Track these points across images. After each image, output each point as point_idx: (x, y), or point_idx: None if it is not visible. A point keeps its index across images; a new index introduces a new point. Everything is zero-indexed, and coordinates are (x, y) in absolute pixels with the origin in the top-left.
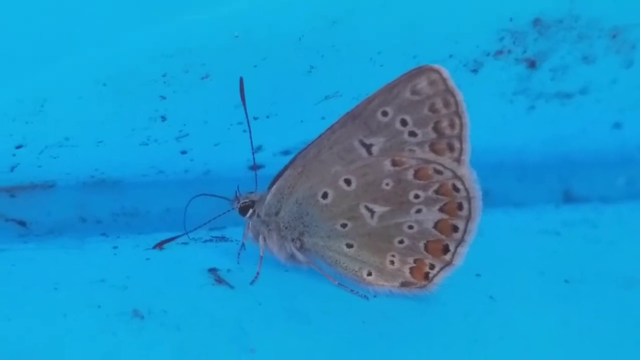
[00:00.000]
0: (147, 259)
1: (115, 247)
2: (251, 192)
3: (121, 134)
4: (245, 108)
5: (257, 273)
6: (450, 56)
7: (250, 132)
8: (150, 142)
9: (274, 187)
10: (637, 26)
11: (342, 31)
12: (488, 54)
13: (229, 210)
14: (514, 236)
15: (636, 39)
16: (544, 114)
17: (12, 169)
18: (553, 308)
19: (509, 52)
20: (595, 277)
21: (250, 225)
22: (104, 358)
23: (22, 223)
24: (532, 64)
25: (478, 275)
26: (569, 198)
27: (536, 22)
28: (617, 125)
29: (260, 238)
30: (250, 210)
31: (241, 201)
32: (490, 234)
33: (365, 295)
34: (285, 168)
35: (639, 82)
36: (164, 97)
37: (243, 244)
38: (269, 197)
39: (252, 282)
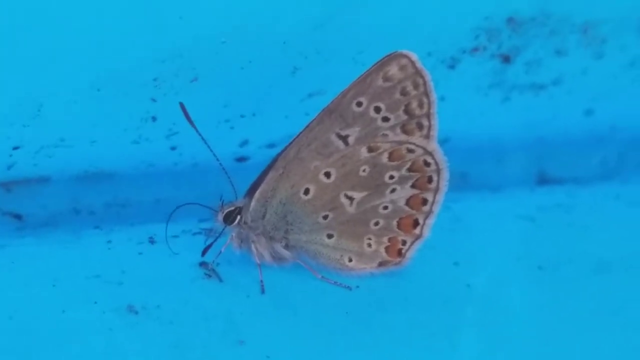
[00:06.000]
0: (140, 253)
1: (109, 242)
2: (231, 202)
3: (114, 134)
4: (192, 125)
5: (261, 281)
6: (429, 54)
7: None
8: (141, 140)
9: (257, 192)
10: (607, 21)
11: (324, 35)
12: (464, 51)
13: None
14: (490, 222)
15: (606, 33)
16: (518, 104)
17: (8, 168)
18: (529, 294)
19: (484, 48)
20: (569, 262)
21: (234, 234)
22: (102, 353)
23: (18, 216)
24: (506, 59)
25: (456, 263)
26: (543, 181)
27: (510, 20)
28: (589, 112)
29: (252, 245)
30: (238, 218)
31: (225, 210)
32: (468, 220)
33: (348, 287)
34: (266, 172)
35: (609, 71)
36: (154, 100)
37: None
38: (253, 203)
39: (263, 292)
